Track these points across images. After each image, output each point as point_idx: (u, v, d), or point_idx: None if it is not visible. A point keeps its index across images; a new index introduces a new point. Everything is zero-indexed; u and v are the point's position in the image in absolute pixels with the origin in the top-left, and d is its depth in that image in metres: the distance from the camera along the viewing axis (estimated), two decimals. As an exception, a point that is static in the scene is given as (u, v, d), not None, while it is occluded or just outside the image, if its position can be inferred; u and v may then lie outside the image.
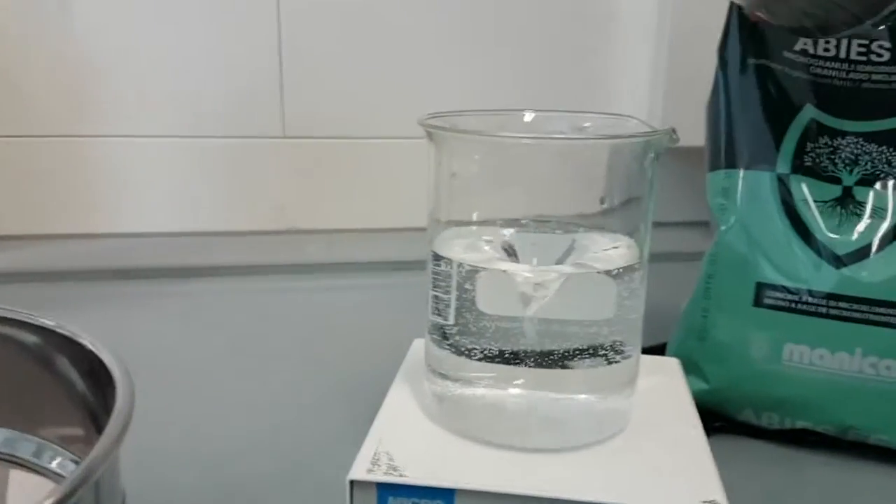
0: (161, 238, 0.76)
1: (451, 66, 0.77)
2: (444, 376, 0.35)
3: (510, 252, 0.34)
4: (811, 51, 0.42)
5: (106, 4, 0.71)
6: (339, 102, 0.76)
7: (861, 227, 0.41)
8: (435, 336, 0.35)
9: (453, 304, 0.34)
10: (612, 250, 0.34)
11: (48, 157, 0.73)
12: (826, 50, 0.42)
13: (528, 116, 0.36)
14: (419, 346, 0.41)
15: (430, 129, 0.32)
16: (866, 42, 0.41)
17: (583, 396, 0.34)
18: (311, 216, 0.78)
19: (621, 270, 0.33)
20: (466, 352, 0.33)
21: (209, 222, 0.77)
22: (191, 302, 0.64)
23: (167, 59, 0.73)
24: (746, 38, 0.44)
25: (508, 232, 0.35)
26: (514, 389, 0.33)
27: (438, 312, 0.35)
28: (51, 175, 0.73)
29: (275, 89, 0.75)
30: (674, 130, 0.32)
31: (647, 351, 0.46)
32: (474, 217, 0.35)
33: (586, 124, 0.36)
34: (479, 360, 0.33)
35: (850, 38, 0.42)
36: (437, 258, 0.34)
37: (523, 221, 0.35)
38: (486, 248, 0.35)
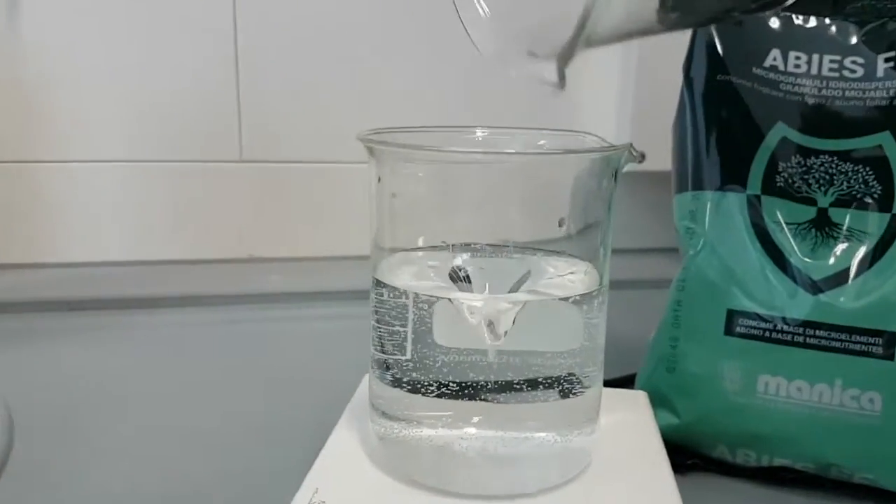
0: (109, 268, 0.72)
1: (410, 86, 0.75)
2: (390, 416, 0.32)
3: (461, 279, 0.32)
4: (781, 67, 0.41)
5: (54, 24, 0.69)
6: (299, 125, 0.74)
7: (838, 250, 0.39)
8: (382, 373, 0.32)
9: (409, 337, 0.31)
10: (569, 276, 0.31)
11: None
12: (797, 66, 0.41)
13: (480, 134, 0.34)
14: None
15: (370, 145, 0.30)
16: (838, 58, 0.40)
17: (541, 434, 0.31)
18: (271, 243, 0.76)
19: (580, 298, 0.30)
20: (422, 389, 0.31)
21: (162, 250, 0.74)
22: (137, 335, 0.61)
23: (118, 80, 0.71)
24: (713, 55, 0.42)
25: (460, 257, 0.32)
26: (469, 428, 0.31)
27: (384, 347, 0.32)
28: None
29: (232, 111, 0.72)
30: (633, 147, 0.30)
31: (615, 383, 0.44)
32: (421, 242, 0.32)
33: (541, 142, 0.34)
34: (434, 397, 0.31)
35: (821, 55, 0.40)
36: (386, 287, 0.31)
37: (476, 245, 0.33)
38: (436, 275, 0.32)
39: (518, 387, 0.30)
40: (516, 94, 0.76)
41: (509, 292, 0.31)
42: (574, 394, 0.31)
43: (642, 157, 0.31)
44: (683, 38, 0.43)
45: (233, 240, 0.75)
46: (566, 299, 0.30)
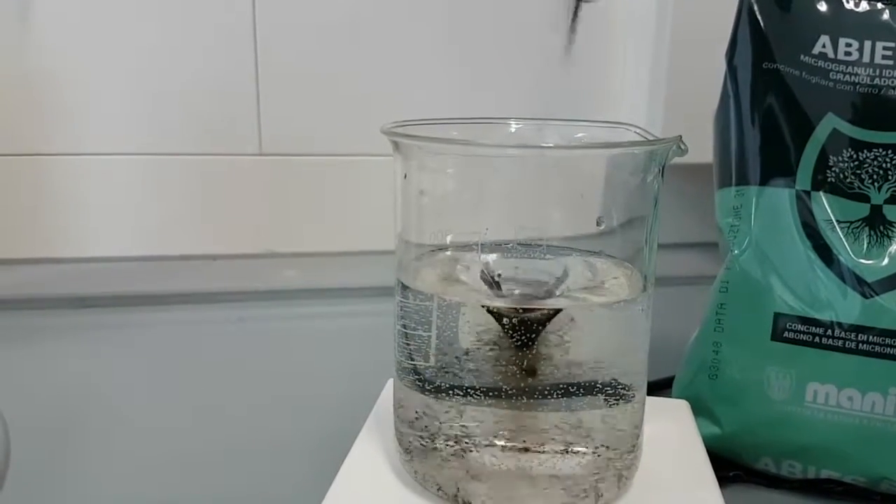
0: (125, 263, 0.71)
1: (434, 77, 0.73)
2: (416, 427, 0.30)
3: (492, 282, 0.30)
4: (831, 54, 0.39)
5: (70, 17, 0.67)
6: (320, 118, 0.72)
7: (893, 250, 0.36)
8: (407, 380, 0.30)
9: (433, 342, 0.29)
10: (611, 280, 0.29)
11: (2, 175, 0.69)
12: (848, 53, 0.38)
13: (514, 126, 0.32)
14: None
15: (396, 139, 0.28)
16: (892, 45, 0.38)
17: (580, 450, 0.29)
18: (290, 238, 0.74)
19: (622, 304, 0.28)
20: (445, 397, 0.29)
21: (178, 246, 0.72)
22: (151, 333, 0.59)
23: (134, 72, 0.69)
24: (758, 42, 0.40)
25: (490, 258, 0.30)
26: (499, 441, 0.29)
27: (411, 353, 0.30)
28: (4, 195, 0.69)
29: (251, 103, 0.70)
30: (682, 139, 0.27)
31: (651, 386, 0.42)
32: (449, 240, 0.30)
33: (580, 134, 0.32)
34: (458, 407, 0.29)
35: (874, 41, 0.38)
36: (411, 290, 0.29)
37: (508, 245, 0.30)
38: (465, 277, 0.30)
39: (553, 398, 0.28)
40: (544, 83, 0.74)
41: (544, 297, 0.29)
42: (616, 406, 0.29)
43: (686, 149, 0.29)
44: (722, 18, 0.41)
45: (251, 235, 0.73)
46: (606, 305, 0.28)
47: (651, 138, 0.29)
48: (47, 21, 0.67)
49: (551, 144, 0.29)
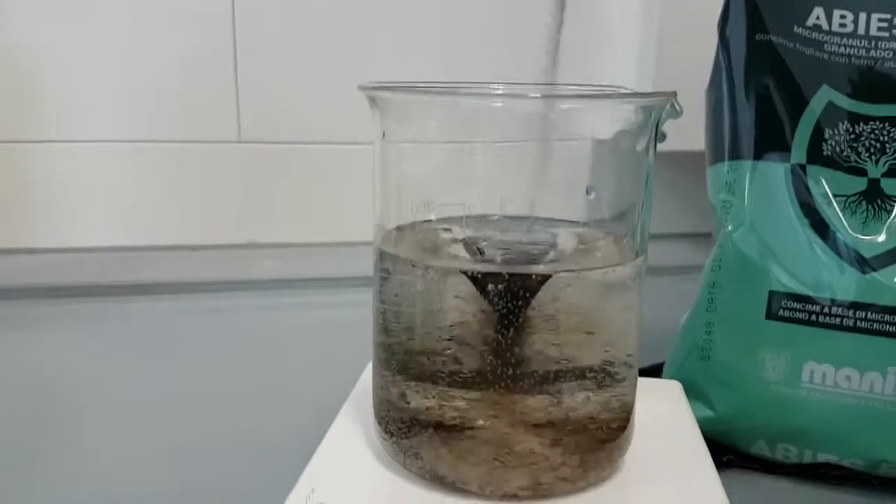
0: (100, 253, 0.69)
1: (419, 65, 0.71)
2: (396, 406, 0.28)
3: (476, 251, 0.28)
4: (825, 26, 0.38)
5: (47, 1, 0.66)
6: (300, 104, 0.71)
7: (891, 224, 0.36)
8: (385, 358, 0.29)
9: (416, 317, 0.27)
10: (599, 243, 0.28)
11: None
12: (842, 25, 0.37)
13: (498, 91, 0.30)
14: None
15: (373, 94, 0.26)
16: (888, 16, 0.37)
17: (568, 429, 0.28)
18: (270, 228, 0.72)
19: (612, 272, 0.27)
20: (426, 374, 0.27)
21: (155, 235, 0.71)
22: (126, 324, 0.58)
23: (111, 57, 0.68)
24: (751, 13, 0.39)
25: (474, 227, 0.29)
26: (483, 420, 0.27)
27: (387, 329, 0.28)
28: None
29: (229, 89, 0.69)
30: (676, 96, 0.26)
31: (641, 373, 0.41)
32: (430, 211, 0.28)
33: (565, 106, 0.30)
34: (440, 384, 0.27)
35: (869, 13, 0.37)
36: (390, 260, 0.28)
37: (493, 217, 0.29)
38: (447, 247, 0.28)
39: (540, 375, 0.27)
40: (528, 56, 0.72)
41: (530, 263, 0.28)
42: (606, 384, 0.27)
43: (681, 110, 0.28)
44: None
45: (230, 224, 0.72)
46: (595, 272, 0.26)
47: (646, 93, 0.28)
48: (23, 7, 0.66)
49: (538, 95, 0.27)
